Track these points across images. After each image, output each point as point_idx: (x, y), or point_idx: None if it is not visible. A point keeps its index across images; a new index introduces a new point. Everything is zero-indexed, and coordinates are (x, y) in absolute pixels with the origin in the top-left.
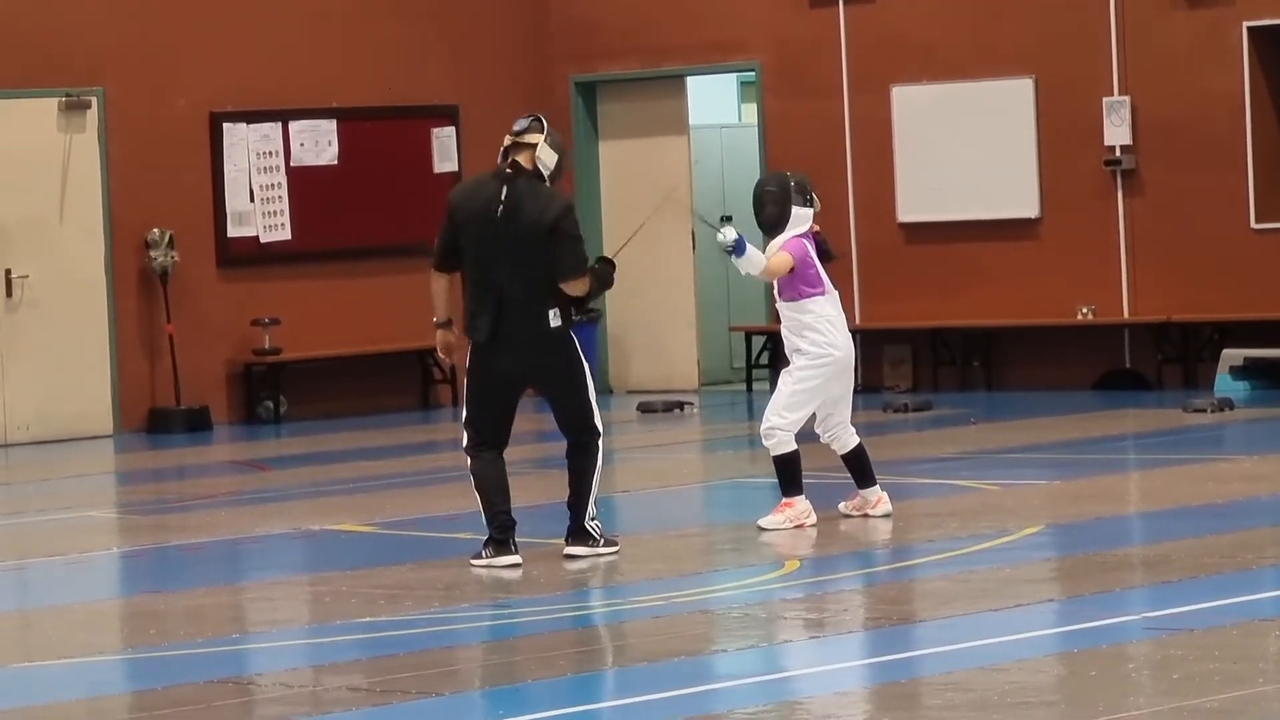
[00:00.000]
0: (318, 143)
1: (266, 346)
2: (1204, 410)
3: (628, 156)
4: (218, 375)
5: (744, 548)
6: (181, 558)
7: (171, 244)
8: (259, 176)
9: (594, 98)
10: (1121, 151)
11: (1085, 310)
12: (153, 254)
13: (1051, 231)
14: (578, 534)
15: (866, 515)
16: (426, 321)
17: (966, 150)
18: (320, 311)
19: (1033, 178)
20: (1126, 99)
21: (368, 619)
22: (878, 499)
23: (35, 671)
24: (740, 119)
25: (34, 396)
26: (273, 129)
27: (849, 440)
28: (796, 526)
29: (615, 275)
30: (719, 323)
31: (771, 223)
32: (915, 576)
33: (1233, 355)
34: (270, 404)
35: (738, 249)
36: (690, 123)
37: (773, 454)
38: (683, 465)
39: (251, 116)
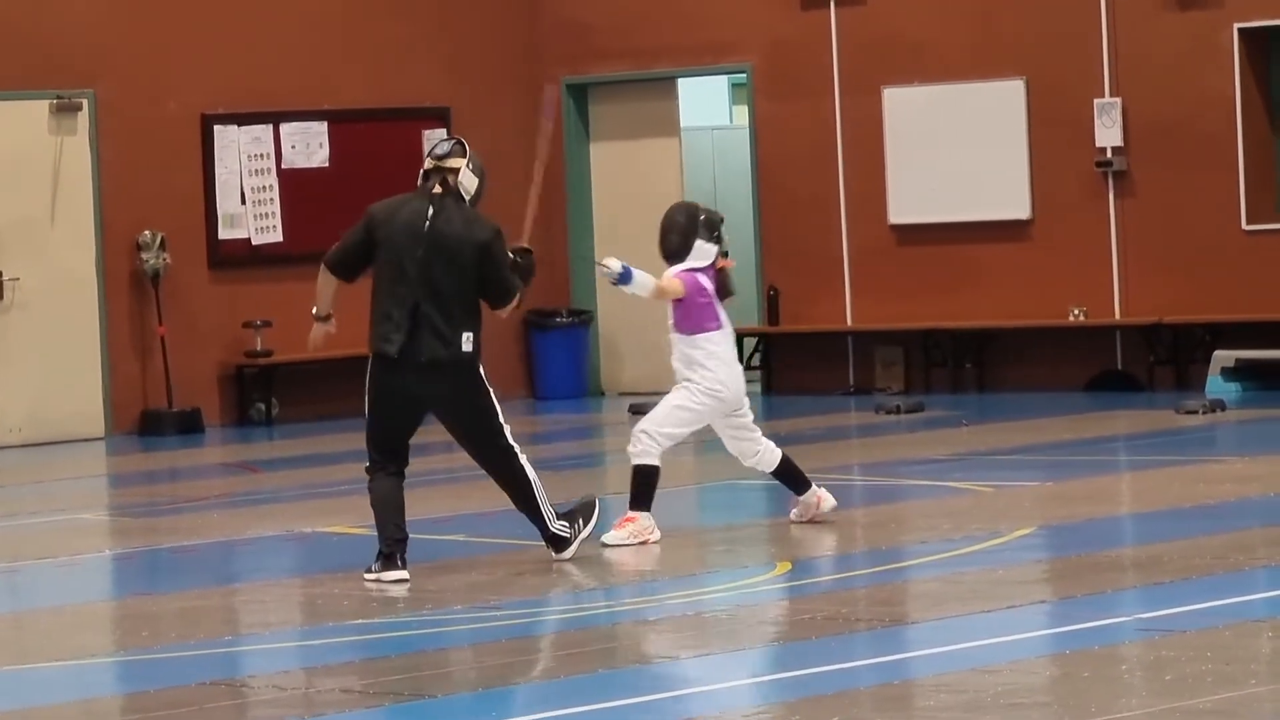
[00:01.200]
0: (309, 145)
1: (258, 348)
2: (1196, 412)
3: (619, 158)
4: (209, 377)
5: (737, 549)
6: (173, 560)
7: (163, 246)
8: (250, 179)
9: (585, 99)
10: (1113, 153)
11: (1077, 311)
12: (144, 256)
13: (1043, 233)
14: (553, 541)
15: (814, 520)
16: None
17: (958, 152)
18: (311, 314)
19: (1024, 179)
20: (1118, 100)
21: (360, 621)
22: (818, 498)
23: (28, 674)
24: (732, 121)
25: (26, 399)
26: (264, 131)
27: (771, 458)
28: (641, 542)
29: (530, 265)
30: None
31: (672, 251)
32: (908, 578)
33: (1224, 357)
34: (262, 406)
35: (624, 278)
36: (682, 124)
37: (634, 462)
38: (674, 467)
39: (242, 119)
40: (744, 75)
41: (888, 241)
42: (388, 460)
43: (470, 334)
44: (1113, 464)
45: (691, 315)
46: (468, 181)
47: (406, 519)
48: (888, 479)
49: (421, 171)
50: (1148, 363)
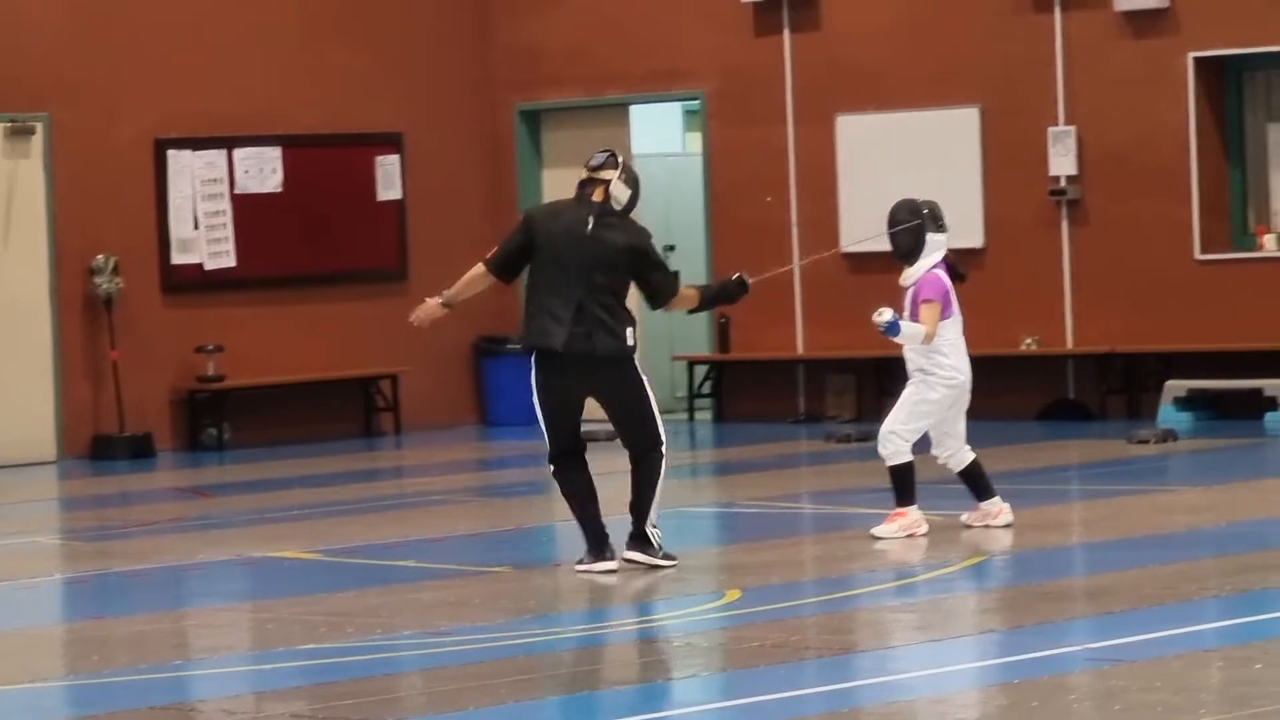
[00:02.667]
0: (262, 170)
1: (210, 373)
2: (1147, 441)
3: (571, 185)
4: (161, 402)
5: (686, 577)
6: (124, 584)
7: (116, 270)
8: (203, 203)
9: (538, 126)
10: (1066, 181)
11: (1029, 341)
12: (97, 280)
13: (996, 262)
14: (638, 539)
15: (988, 526)
16: (369, 349)
17: (911, 179)
18: (264, 339)
19: (977, 207)
20: (1072, 129)
21: (310, 646)
22: (999, 510)
23: None
24: (685, 148)
25: None
26: (217, 156)
27: (965, 457)
28: (909, 535)
29: (739, 287)
30: (662, 352)
31: (907, 250)
32: (857, 606)
33: (1176, 386)
34: (214, 431)
35: (892, 329)
36: (634, 151)
37: (888, 464)
38: (624, 494)
39: (196, 143)
40: (697, 102)
41: (840, 269)
42: (569, 449)
43: (631, 329)
44: (1064, 493)
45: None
46: (619, 192)
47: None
48: (838, 507)
49: (578, 181)
50: (1100, 392)
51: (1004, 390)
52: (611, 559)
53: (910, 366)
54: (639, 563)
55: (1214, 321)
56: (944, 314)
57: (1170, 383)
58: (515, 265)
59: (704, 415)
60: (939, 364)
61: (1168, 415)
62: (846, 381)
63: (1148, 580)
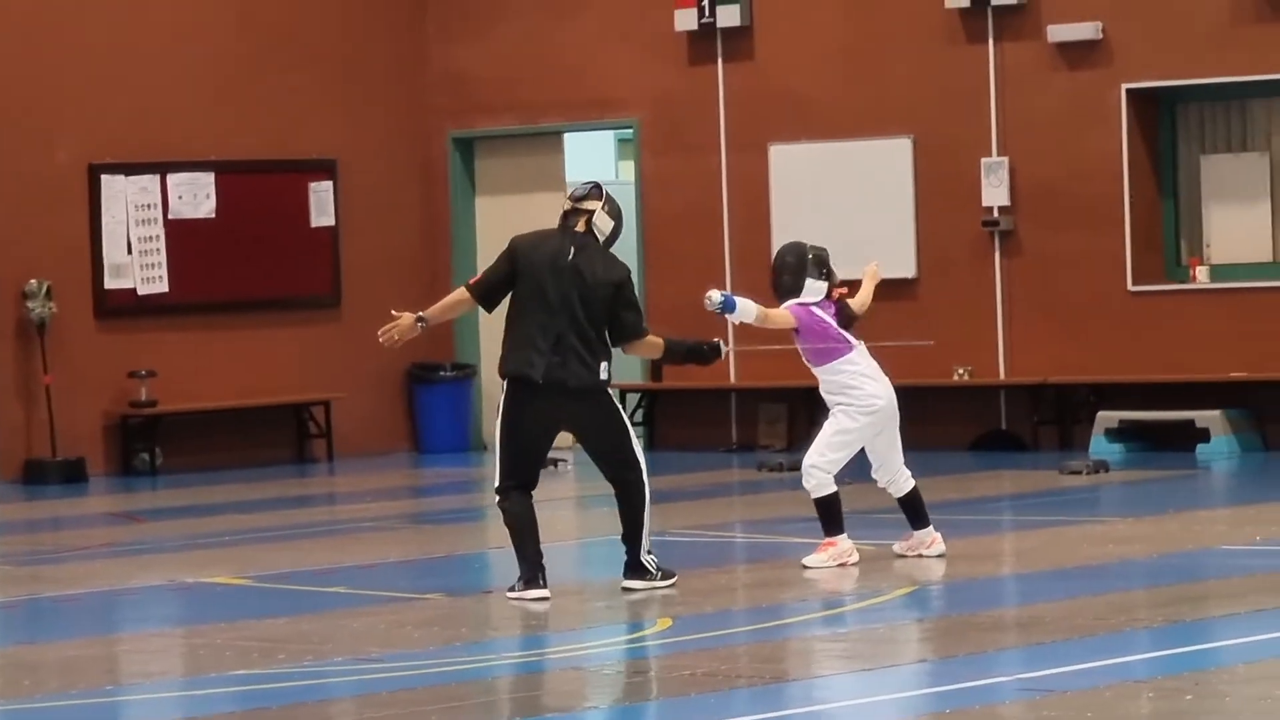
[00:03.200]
0: (196, 195)
1: (143, 398)
2: (1079, 472)
3: (504, 212)
4: (94, 427)
5: (617, 605)
6: (56, 609)
7: (49, 295)
8: (137, 228)
9: (471, 153)
10: (999, 212)
11: (962, 371)
12: (30, 305)
13: (929, 292)
14: (635, 568)
15: (921, 555)
16: (302, 375)
17: (844, 209)
18: (197, 364)
19: (910, 238)
20: (1005, 160)
21: (242, 671)
22: (931, 539)
23: None
24: (618, 176)
25: None
26: (151, 181)
27: (904, 484)
28: (839, 565)
29: (714, 352)
30: None
31: (785, 290)
32: (788, 635)
33: (1108, 417)
34: (146, 456)
35: (726, 306)
36: (567, 179)
37: (813, 496)
38: (556, 522)
39: (130, 169)
40: (630, 131)
41: (772, 299)
42: (520, 482)
43: (607, 363)
44: (996, 524)
45: (820, 348)
46: (603, 223)
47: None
48: (770, 536)
49: (562, 212)
50: (1032, 423)
51: (937, 420)
52: (544, 588)
53: (829, 401)
54: (638, 590)
55: (1146, 353)
56: (841, 349)
57: (1102, 414)
58: (498, 294)
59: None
60: (855, 395)
61: (1099, 446)
62: (778, 411)
63: (1079, 611)
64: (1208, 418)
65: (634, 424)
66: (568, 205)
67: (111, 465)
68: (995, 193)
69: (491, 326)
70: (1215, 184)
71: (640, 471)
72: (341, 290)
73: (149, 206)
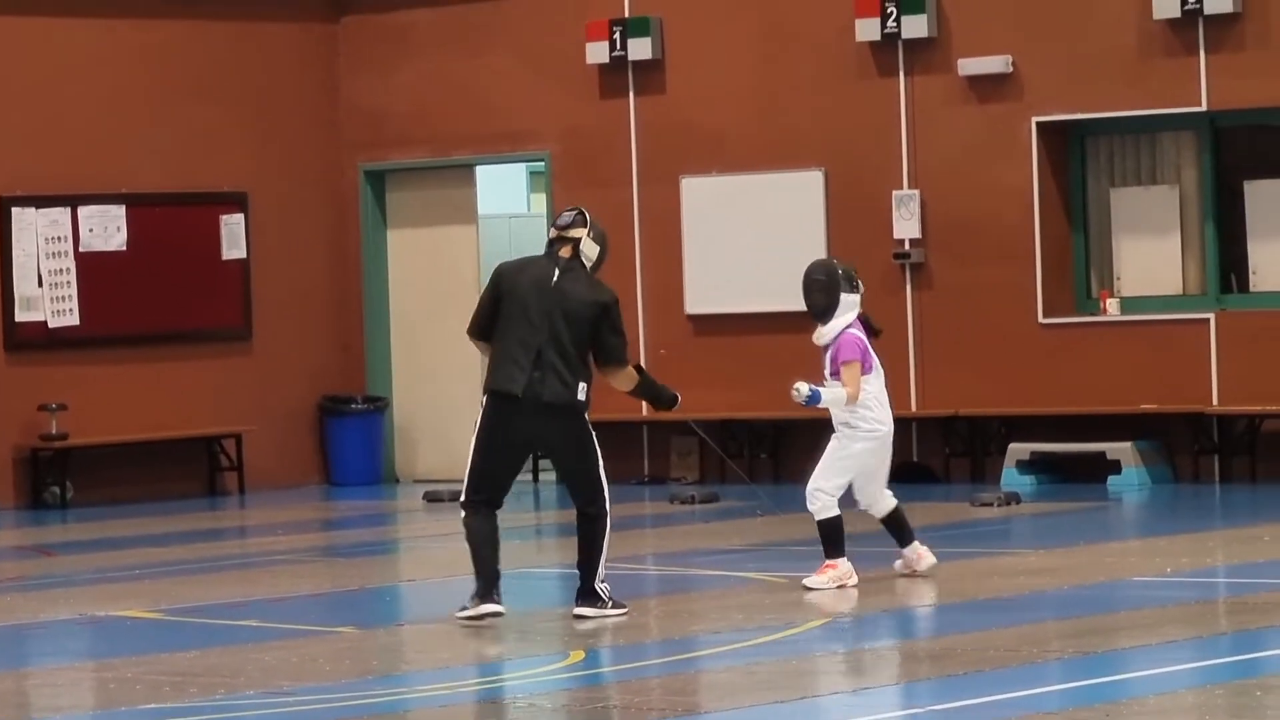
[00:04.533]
0: (107, 228)
1: (54, 431)
2: (991, 504)
3: (416, 245)
4: (4, 460)
5: (530, 638)
6: None
7: None
8: (47, 261)
9: (383, 186)
10: (911, 245)
11: None
12: None
13: None
14: (587, 595)
15: (914, 573)
16: (214, 408)
17: (756, 242)
18: (108, 397)
19: None
20: (916, 193)
21: (153, 705)
22: (919, 554)
23: None
24: (529, 209)
25: None
26: (61, 214)
27: (887, 504)
28: (839, 586)
29: (670, 402)
30: None
31: (821, 309)
32: (701, 668)
33: (1020, 449)
34: (57, 489)
35: (813, 400)
36: (479, 212)
37: (816, 518)
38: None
39: (40, 201)
40: (542, 163)
41: (684, 331)
42: (487, 498)
43: (585, 384)
44: None
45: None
46: (589, 250)
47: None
48: (682, 569)
49: (546, 240)
50: (943, 455)
51: None
52: (498, 604)
53: (835, 420)
54: (590, 617)
55: (1057, 385)
56: (864, 370)
57: (1014, 446)
58: (492, 325)
59: (548, 476)
60: (863, 417)
61: (1011, 478)
62: (690, 444)
63: (990, 643)
64: (1119, 449)
65: (545, 456)
66: (553, 233)
67: (21, 498)
68: (906, 225)
69: (403, 359)
70: (1125, 217)
71: (604, 501)
72: (253, 323)
73: (60, 239)
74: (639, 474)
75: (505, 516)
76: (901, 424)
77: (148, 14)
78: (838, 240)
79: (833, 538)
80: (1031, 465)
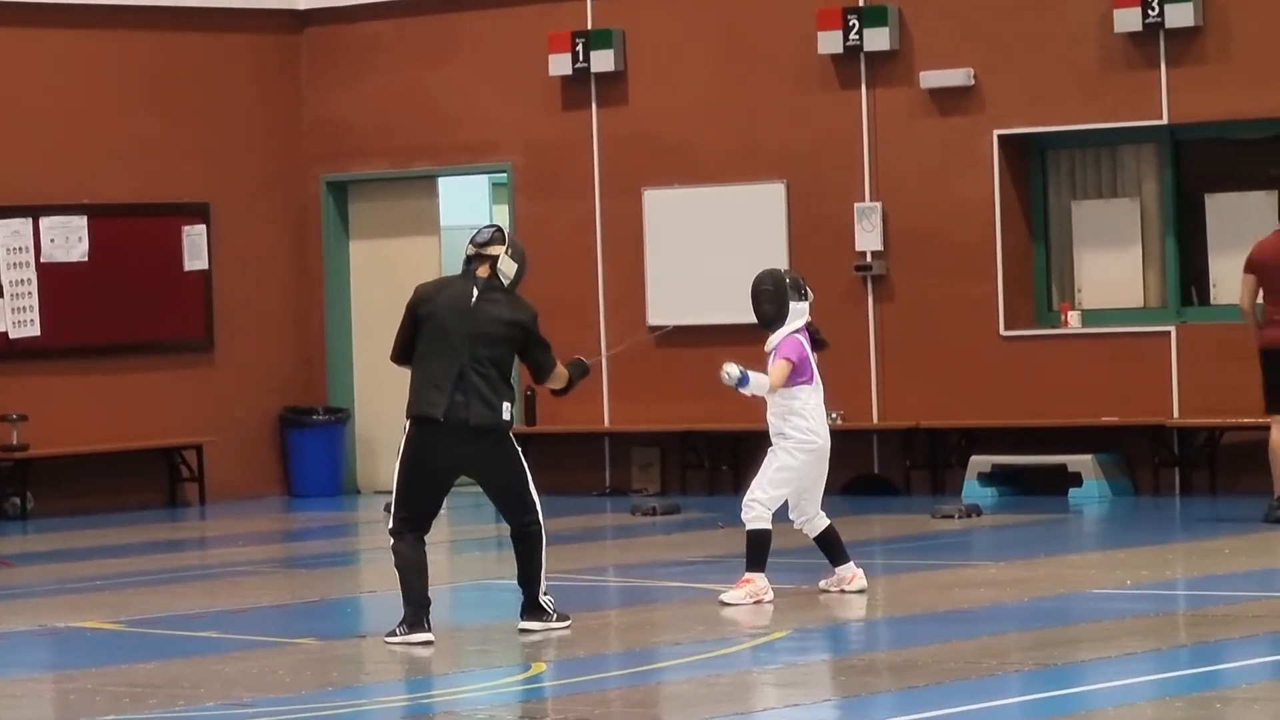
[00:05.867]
0: (68, 239)
1: (14, 442)
2: (952, 516)
3: (378, 256)
4: None
5: (490, 649)
6: None
7: None
8: (8, 272)
9: (345, 197)
10: (872, 257)
11: (834, 415)
12: None
13: None
14: (532, 609)
15: (843, 591)
16: (175, 419)
17: (717, 254)
18: (68, 408)
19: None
20: (878, 205)
21: (113, 717)
22: (852, 575)
23: None
24: (492, 219)
25: None
26: (23, 224)
27: (820, 523)
28: (755, 602)
29: (586, 371)
30: None
31: (770, 318)
32: (662, 680)
33: (981, 462)
34: (17, 500)
35: (742, 382)
36: (442, 223)
37: (748, 528)
38: (429, 566)
39: (1, 211)
40: (504, 175)
41: (646, 343)
42: (415, 523)
43: (509, 404)
44: (868, 567)
45: (793, 372)
46: (507, 267)
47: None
48: (643, 580)
49: (464, 258)
50: (904, 467)
51: None
52: (428, 632)
53: (771, 431)
54: (536, 631)
55: (1018, 397)
56: (802, 378)
57: (975, 458)
58: (414, 347)
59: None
60: (797, 427)
61: (972, 490)
62: (651, 455)
63: (950, 655)
64: (1079, 462)
65: None
66: (470, 250)
67: None
68: (868, 238)
69: (365, 370)
70: (1086, 229)
71: (537, 515)
72: (214, 334)
73: (21, 250)
74: (600, 486)
75: (466, 528)
76: (862, 436)
77: (110, 24)
78: (799, 252)
79: (758, 550)
80: (992, 478)
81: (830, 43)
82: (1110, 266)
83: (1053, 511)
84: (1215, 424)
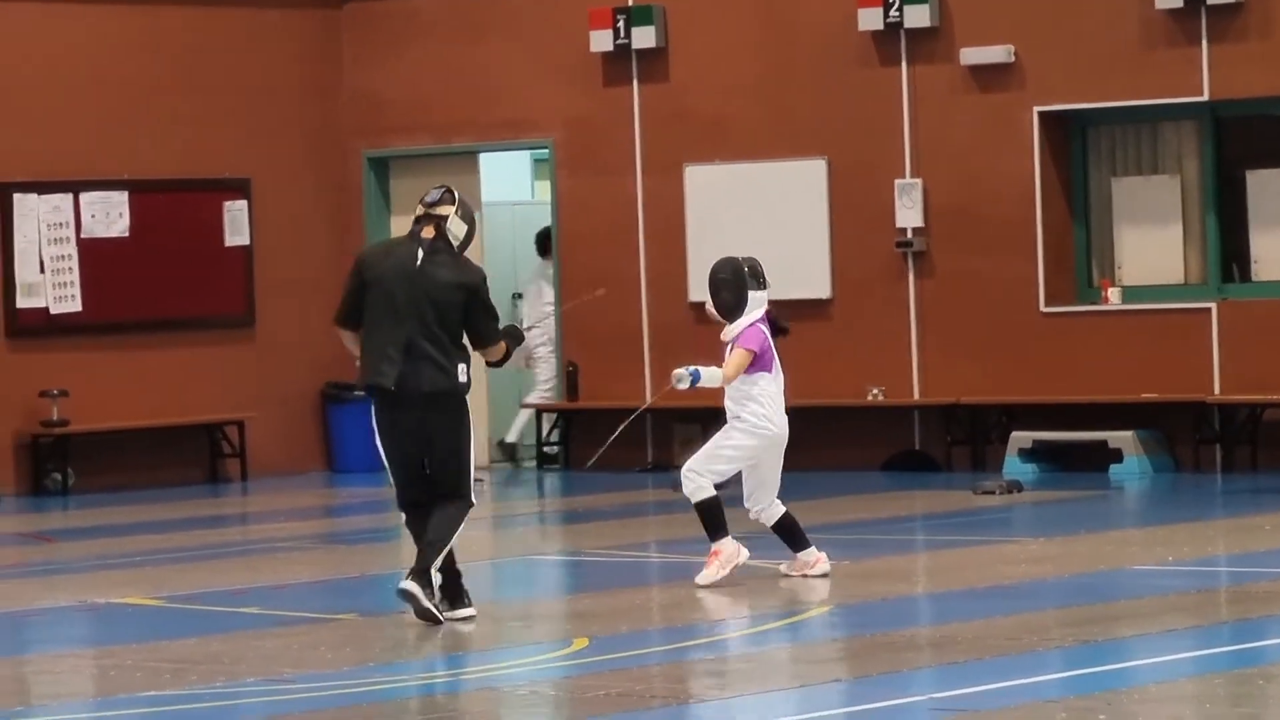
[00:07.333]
0: (109, 214)
1: (55, 418)
2: (992, 492)
3: None
4: (5, 446)
5: (533, 625)
6: None
7: None
8: (49, 248)
9: (386, 173)
10: (913, 234)
11: (875, 391)
12: None
13: (843, 312)
14: (422, 575)
15: (806, 576)
16: (216, 394)
17: (759, 230)
18: (109, 383)
19: (824, 259)
20: (918, 181)
21: (153, 693)
22: (815, 559)
23: None
24: (534, 196)
25: None
26: (63, 200)
27: (776, 512)
28: (732, 569)
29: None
30: (510, 399)
31: (729, 308)
32: (702, 655)
33: (1021, 438)
34: (58, 476)
35: (695, 382)
36: (483, 199)
37: (692, 500)
38: (472, 541)
39: (42, 187)
40: (546, 151)
41: (686, 318)
42: (411, 494)
43: (464, 365)
44: (909, 544)
45: (754, 360)
46: (455, 228)
47: None
48: (685, 556)
49: (413, 218)
50: (945, 443)
51: (850, 440)
52: (469, 606)
53: (729, 414)
54: (414, 596)
55: (1059, 374)
56: (762, 365)
57: (1015, 434)
58: (358, 312)
59: (552, 463)
60: (753, 412)
61: (1012, 467)
62: (693, 430)
63: (992, 631)
64: (1120, 438)
65: (550, 444)
66: (420, 210)
67: (22, 485)
68: (908, 214)
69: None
70: (1126, 206)
71: (464, 499)
72: (255, 310)
73: (62, 225)
74: (642, 462)
75: (509, 503)
76: (903, 412)
77: None
78: (840, 228)
79: (713, 519)
80: (1033, 454)
81: (871, 19)
82: (1151, 243)
83: (1093, 488)
84: (1256, 400)
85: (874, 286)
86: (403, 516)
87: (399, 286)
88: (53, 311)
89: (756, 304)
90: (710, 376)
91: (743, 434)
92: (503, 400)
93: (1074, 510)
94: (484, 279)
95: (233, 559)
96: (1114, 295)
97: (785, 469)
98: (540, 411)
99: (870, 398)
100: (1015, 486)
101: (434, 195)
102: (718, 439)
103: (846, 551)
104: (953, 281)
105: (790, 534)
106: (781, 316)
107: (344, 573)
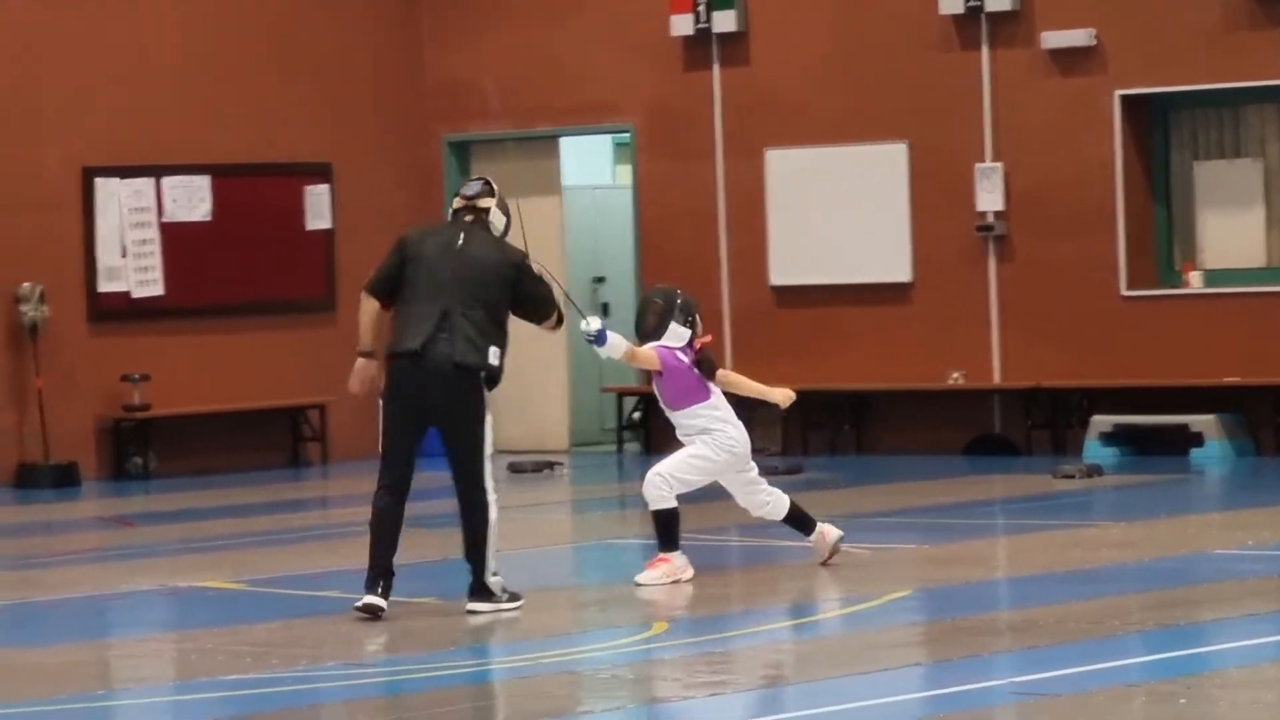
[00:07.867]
0: (190, 198)
1: (136, 402)
2: (1073, 476)
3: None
4: (87, 430)
5: (612, 609)
6: (46, 614)
7: (42, 298)
8: (131, 232)
9: (468, 157)
10: (994, 217)
11: (956, 375)
12: (23, 308)
13: (923, 296)
14: (479, 591)
15: (831, 556)
16: (297, 379)
17: (839, 214)
18: (191, 367)
19: (905, 242)
20: (999, 165)
21: (234, 677)
22: (823, 534)
23: None
24: (614, 180)
25: None
26: (145, 184)
27: (780, 505)
28: (674, 581)
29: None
30: (590, 383)
31: (649, 330)
32: (783, 640)
33: (1102, 422)
34: (139, 460)
35: (599, 339)
36: (564, 183)
37: (651, 508)
38: (552, 526)
39: (124, 171)
40: (627, 135)
41: (768, 303)
42: (393, 479)
43: (497, 349)
44: (989, 528)
45: (679, 391)
46: (497, 220)
47: (396, 545)
48: (765, 540)
49: (451, 210)
50: (1025, 427)
51: (930, 424)
52: (379, 598)
53: (692, 433)
54: (484, 612)
55: (1140, 358)
56: (699, 396)
57: (1096, 418)
58: (393, 287)
59: (632, 447)
60: (722, 430)
61: (1093, 451)
62: (773, 414)
63: (1072, 615)
64: (1201, 422)
65: (631, 427)
66: (459, 203)
67: (104, 469)
68: (989, 198)
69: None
70: (1208, 190)
71: (485, 493)
72: (337, 294)
73: (143, 209)
74: None
75: (588, 487)
76: (983, 396)
77: None
78: (920, 212)
79: (668, 529)
80: (1113, 438)
81: (952, 3)
82: (1232, 227)
83: (1174, 472)
84: None
85: (954, 270)
86: (374, 493)
87: (441, 264)
88: (134, 296)
89: (674, 336)
90: (614, 345)
91: (710, 447)
92: (584, 385)
93: (1154, 494)
94: (526, 256)
95: (314, 543)
96: (1195, 279)
97: (865, 452)
98: (621, 395)
99: (951, 381)
100: (1095, 470)
101: (474, 188)
102: (687, 449)
103: (927, 536)
104: (1033, 265)
105: (799, 522)
106: (712, 358)
107: (424, 556)
